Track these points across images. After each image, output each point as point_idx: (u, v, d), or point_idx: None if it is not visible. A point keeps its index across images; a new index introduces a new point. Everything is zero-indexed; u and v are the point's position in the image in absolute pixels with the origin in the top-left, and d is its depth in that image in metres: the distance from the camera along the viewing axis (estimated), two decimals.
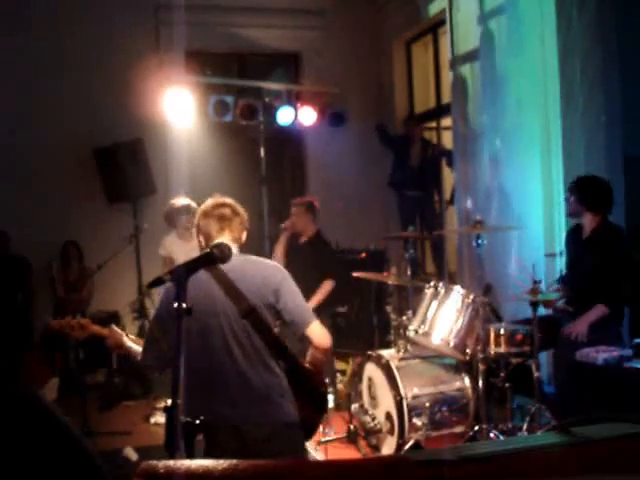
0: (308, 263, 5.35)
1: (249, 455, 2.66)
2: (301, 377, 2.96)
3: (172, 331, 2.75)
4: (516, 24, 5.78)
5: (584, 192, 4.50)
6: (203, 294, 2.80)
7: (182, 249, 5.72)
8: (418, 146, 7.55)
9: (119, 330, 3.06)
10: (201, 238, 3.01)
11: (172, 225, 5.98)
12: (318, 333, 2.98)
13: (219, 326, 2.82)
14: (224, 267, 2.77)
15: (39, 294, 6.97)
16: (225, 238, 2.93)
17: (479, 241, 4.36)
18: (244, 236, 3.05)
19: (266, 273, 2.92)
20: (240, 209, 3.05)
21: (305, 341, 3.06)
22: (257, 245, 6.76)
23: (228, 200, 3.05)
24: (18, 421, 1.64)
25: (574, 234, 4.71)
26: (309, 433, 3.06)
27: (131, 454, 4.47)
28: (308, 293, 4.74)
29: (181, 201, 5.88)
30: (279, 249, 5.71)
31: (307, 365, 3.04)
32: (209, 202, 3.02)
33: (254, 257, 3.01)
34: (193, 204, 5.89)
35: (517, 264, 5.70)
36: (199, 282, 2.79)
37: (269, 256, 6.36)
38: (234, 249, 2.91)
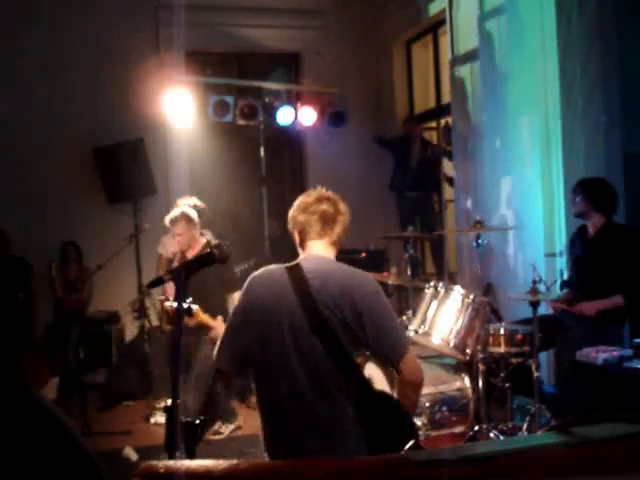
0: (207, 281, 4.64)
1: None
2: (376, 409, 2.47)
3: (252, 328, 2.51)
4: (516, 24, 5.78)
5: (592, 192, 4.53)
6: (273, 297, 2.51)
7: None
8: (418, 146, 7.55)
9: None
10: (296, 235, 2.68)
11: None
12: (410, 366, 2.49)
13: (281, 339, 2.45)
14: (309, 273, 2.50)
15: (39, 294, 6.97)
16: (324, 242, 2.62)
17: (479, 241, 4.37)
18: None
19: (349, 285, 2.49)
20: (343, 206, 2.67)
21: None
22: (257, 245, 6.76)
23: (331, 194, 2.68)
24: (18, 421, 1.64)
25: (579, 235, 4.74)
26: None
27: (131, 454, 4.47)
28: (219, 312, 4.47)
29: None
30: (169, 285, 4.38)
31: (395, 398, 2.59)
32: (311, 194, 2.67)
33: (347, 267, 2.60)
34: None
35: (517, 264, 5.70)
36: (273, 283, 2.55)
37: (270, 256, 6.36)
38: (331, 254, 2.65)
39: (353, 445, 2.42)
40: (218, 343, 2.61)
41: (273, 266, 2.65)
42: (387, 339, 2.49)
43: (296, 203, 2.69)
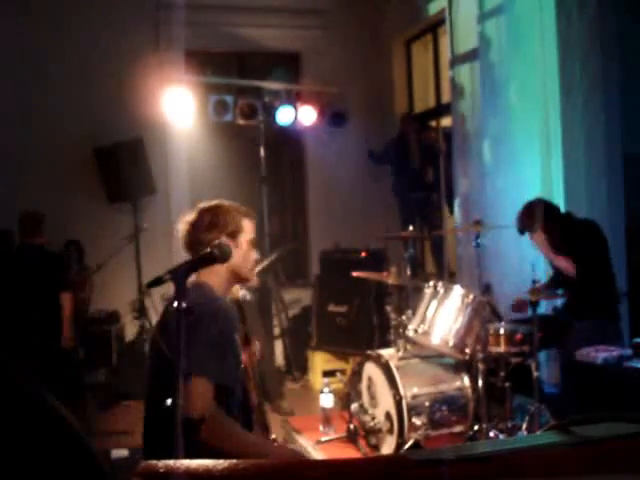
0: None
1: None
2: None
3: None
4: (516, 24, 5.78)
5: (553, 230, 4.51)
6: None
7: None
8: (415, 144, 7.54)
9: None
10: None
11: None
12: (191, 390, 2.23)
13: None
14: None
15: None
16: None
17: (479, 241, 4.37)
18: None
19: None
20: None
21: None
22: (257, 244, 6.76)
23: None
24: (23, 418, 1.64)
25: None
26: None
27: (121, 452, 4.46)
28: None
29: None
30: None
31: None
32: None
33: None
34: None
35: (516, 263, 5.70)
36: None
37: (269, 254, 6.36)
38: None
39: None
40: None
41: None
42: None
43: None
